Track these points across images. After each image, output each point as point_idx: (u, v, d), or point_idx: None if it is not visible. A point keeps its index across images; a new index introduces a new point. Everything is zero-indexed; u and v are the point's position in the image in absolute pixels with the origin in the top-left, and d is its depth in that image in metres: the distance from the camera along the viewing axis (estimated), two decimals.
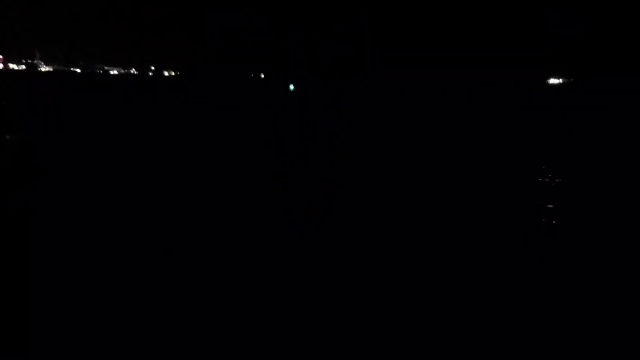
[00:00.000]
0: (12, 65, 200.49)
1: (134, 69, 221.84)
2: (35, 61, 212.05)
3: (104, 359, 3.80)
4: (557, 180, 10.62)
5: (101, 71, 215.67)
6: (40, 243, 5.91)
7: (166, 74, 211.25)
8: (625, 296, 5.14)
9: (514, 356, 4.05)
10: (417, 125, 20.52)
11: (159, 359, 3.86)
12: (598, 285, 5.36)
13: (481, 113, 28.06)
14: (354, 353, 4.00)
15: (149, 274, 5.21)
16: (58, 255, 5.59)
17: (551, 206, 8.46)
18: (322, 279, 5.30)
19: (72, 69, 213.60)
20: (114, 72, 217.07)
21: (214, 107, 24.77)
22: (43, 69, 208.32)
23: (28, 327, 4.18)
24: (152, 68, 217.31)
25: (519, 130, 19.89)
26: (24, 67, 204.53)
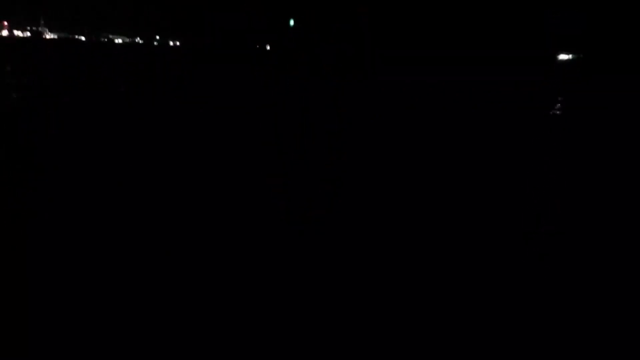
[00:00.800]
0: (17, 32, 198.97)
1: (139, 38, 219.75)
2: (40, 28, 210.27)
3: (103, 359, 3.87)
4: (558, 180, 10.60)
5: (106, 39, 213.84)
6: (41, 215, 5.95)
7: (171, 43, 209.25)
8: (627, 297, 5.15)
9: (514, 356, 4.08)
10: (417, 125, 20.42)
11: (158, 358, 3.93)
12: (599, 286, 5.37)
13: (481, 113, 27.86)
14: (354, 353, 4.05)
15: (147, 273, 5.26)
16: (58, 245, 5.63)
17: (552, 206, 8.45)
18: (322, 279, 5.34)
19: (77, 36, 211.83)
20: (118, 40, 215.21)
21: (214, 104, 24.79)
22: (48, 36, 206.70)
23: (27, 329, 4.24)
24: (157, 37, 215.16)
25: (520, 130, 19.80)
26: (28, 34, 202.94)
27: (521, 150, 14.70)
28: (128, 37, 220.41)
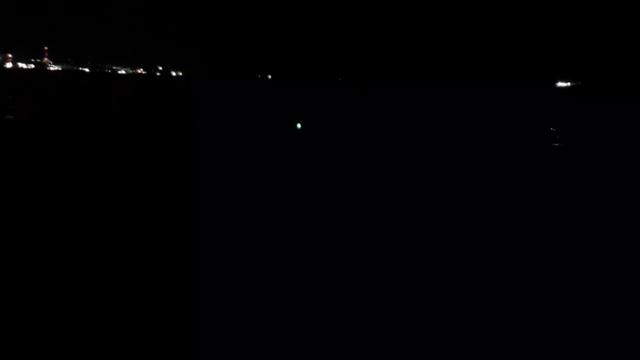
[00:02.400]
0: (20, 64, 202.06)
1: (141, 69, 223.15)
2: (43, 60, 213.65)
3: None
4: (557, 185, 10.61)
5: (109, 70, 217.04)
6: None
7: (173, 74, 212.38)
8: (626, 297, 5.12)
9: (515, 356, 4.05)
10: (418, 129, 20.71)
11: None
12: (599, 287, 5.35)
13: (482, 117, 28.23)
14: (354, 354, 3.99)
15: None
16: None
17: (553, 211, 8.43)
18: (323, 280, 5.31)
19: (80, 68, 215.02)
20: (121, 71, 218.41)
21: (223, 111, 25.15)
22: (52, 68, 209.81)
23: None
24: (160, 68, 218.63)
25: (522, 133, 19.97)
26: (32, 65, 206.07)
27: (524, 155, 14.70)
28: (131, 68, 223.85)
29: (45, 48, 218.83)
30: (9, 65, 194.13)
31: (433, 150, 15.18)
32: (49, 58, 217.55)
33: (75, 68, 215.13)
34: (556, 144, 16.74)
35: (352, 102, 41.29)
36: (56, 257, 5.62)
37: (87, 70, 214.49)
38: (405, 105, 40.06)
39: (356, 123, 22.98)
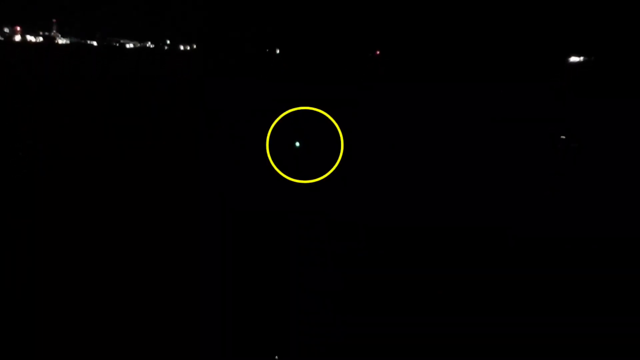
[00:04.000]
0: (29, 37, 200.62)
1: (150, 42, 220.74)
2: (52, 33, 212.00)
3: None
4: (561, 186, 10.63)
5: (117, 44, 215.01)
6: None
7: (182, 47, 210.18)
8: (628, 296, 5.23)
9: (515, 356, 4.20)
10: (422, 131, 20.66)
11: None
12: (602, 285, 5.46)
13: (486, 118, 27.99)
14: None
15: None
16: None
17: (555, 212, 8.49)
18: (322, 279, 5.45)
19: (88, 41, 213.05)
20: (130, 45, 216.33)
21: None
22: (60, 41, 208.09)
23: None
24: (168, 42, 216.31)
25: (525, 135, 19.85)
26: (41, 39, 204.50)
27: (528, 157, 14.67)
28: (139, 41, 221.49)
29: (54, 20, 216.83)
30: (18, 37, 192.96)
31: (434, 152, 15.22)
32: (58, 31, 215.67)
33: (83, 42, 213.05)
34: (562, 148, 16.69)
35: (351, 102, 41.02)
36: (56, 255, 5.83)
37: (95, 44, 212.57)
38: (404, 105, 39.69)
39: (356, 123, 22.92)
